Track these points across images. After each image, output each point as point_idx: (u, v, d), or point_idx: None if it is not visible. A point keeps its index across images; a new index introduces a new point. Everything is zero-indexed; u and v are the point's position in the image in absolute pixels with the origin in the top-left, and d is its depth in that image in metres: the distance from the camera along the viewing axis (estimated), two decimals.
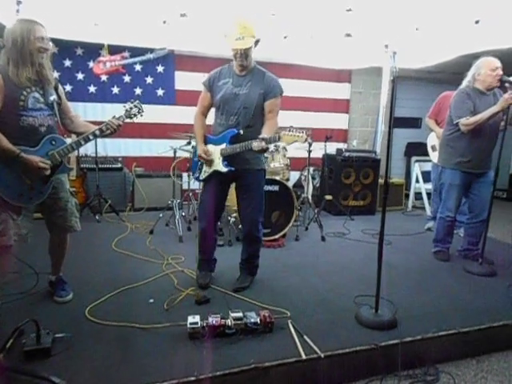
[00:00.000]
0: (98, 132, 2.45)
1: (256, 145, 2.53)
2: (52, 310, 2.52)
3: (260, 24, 4.20)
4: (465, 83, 3.40)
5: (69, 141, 2.49)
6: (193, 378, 1.87)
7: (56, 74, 5.20)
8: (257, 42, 2.64)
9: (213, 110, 2.90)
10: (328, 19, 4.16)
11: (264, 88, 2.71)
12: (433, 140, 4.57)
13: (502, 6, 3.69)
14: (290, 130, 2.49)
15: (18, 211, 2.33)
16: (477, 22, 3.99)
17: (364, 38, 4.81)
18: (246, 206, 2.87)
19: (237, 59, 2.65)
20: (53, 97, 2.39)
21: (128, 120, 2.57)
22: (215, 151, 2.77)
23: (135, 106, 2.57)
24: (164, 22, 4.39)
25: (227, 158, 2.73)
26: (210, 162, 2.79)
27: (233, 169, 2.72)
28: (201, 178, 2.89)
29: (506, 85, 3.15)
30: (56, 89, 2.45)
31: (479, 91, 3.30)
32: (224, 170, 2.73)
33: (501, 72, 3.22)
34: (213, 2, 3.84)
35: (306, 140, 2.49)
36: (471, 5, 3.79)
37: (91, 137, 2.44)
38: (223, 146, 2.73)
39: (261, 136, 2.53)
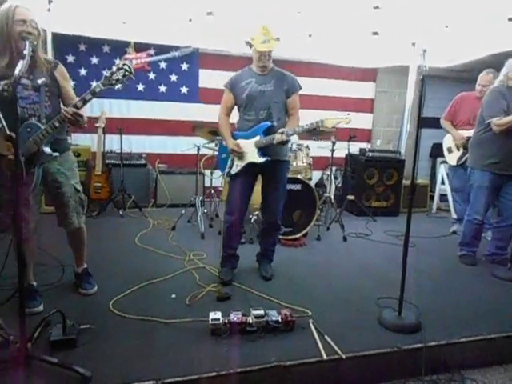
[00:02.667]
0: (56, 123, 2.22)
1: (277, 137, 2.72)
2: (77, 301, 2.57)
3: (285, 22, 4.23)
4: (497, 82, 3.30)
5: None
6: (214, 374, 1.88)
7: (83, 72, 5.33)
8: None
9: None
10: (354, 17, 4.10)
11: (287, 85, 2.91)
12: (449, 142, 4.46)
13: None
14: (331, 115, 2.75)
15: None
16: (510, 19, 3.87)
17: (391, 36, 4.74)
18: (273, 195, 3.02)
19: (260, 60, 2.82)
20: (41, 80, 2.24)
21: (110, 87, 2.23)
22: (247, 144, 2.88)
23: (119, 69, 2.18)
24: (190, 20, 4.43)
25: (262, 149, 2.85)
26: (242, 156, 2.89)
27: (269, 158, 2.84)
28: (232, 172, 2.96)
29: None
30: (52, 72, 2.32)
31: None
32: (261, 159, 2.84)
33: None
34: (239, 1, 3.84)
35: (349, 121, 2.70)
36: (504, 1, 3.68)
37: (56, 123, 2.21)
38: (257, 138, 2.85)
39: (281, 130, 2.72)
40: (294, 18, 4.14)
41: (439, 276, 3.30)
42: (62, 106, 2.40)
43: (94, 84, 2.23)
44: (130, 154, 5.26)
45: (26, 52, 1.85)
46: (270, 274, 3.07)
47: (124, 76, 2.19)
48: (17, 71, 1.75)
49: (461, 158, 4.19)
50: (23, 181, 2.12)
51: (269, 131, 2.84)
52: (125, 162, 4.92)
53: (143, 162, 5.27)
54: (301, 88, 2.98)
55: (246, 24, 3.96)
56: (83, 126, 2.35)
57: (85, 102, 2.23)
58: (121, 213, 4.72)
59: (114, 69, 2.21)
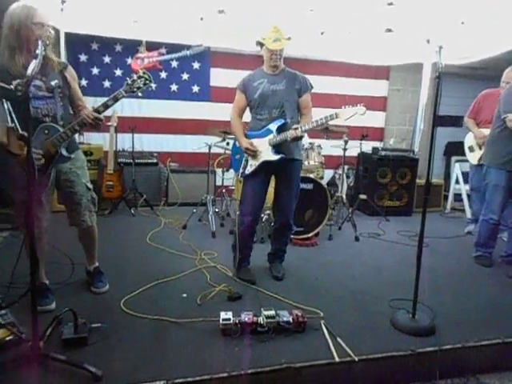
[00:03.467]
0: (76, 126, 2.28)
1: (291, 132, 2.73)
2: (88, 300, 2.59)
3: (297, 20, 4.19)
4: None
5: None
6: (225, 375, 1.86)
7: (96, 71, 5.36)
8: None
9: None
10: (368, 14, 4.04)
11: (299, 84, 2.91)
12: (470, 140, 4.35)
13: None
14: (345, 107, 2.73)
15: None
16: None
17: (405, 32, 4.65)
18: (286, 195, 3.01)
19: (272, 60, 2.82)
20: (54, 81, 2.29)
21: (131, 94, 2.32)
22: (261, 143, 2.87)
23: (140, 78, 2.30)
24: (201, 19, 4.42)
25: (276, 147, 2.84)
26: (256, 155, 2.88)
27: (284, 155, 2.84)
28: (247, 172, 2.94)
29: None
30: (62, 73, 2.36)
31: None
32: (276, 157, 2.83)
33: None
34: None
35: (365, 112, 2.70)
36: None
37: (77, 127, 2.28)
38: (270, 136, 2.84)
39: (294, 126, 2.74)
40: (306, 16, 4.09)
41: (454, 277, 3.24)
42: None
43: (106, 83, 2.27)
44: (142, 152, 5.28)
45: (38, 52, 1.86)
46: (282, 274, 3.05)
47: (145, 84, 2.31)
48: (29, 71, 1.76)
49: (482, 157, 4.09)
50: (39, 181, 2.16)
51: (282, 129, 2.83)
52: (136, 160, 4.94)
53: (155, 160, 5.28)
54: (312, 87, 2.99)
55: (258, 22, 3.94)
56: (101, 128, 2.40)
57: (107, 107, 2.30)
58: (132, 211, 4.74)
59: (135, 76, 2.30)
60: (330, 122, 2.85)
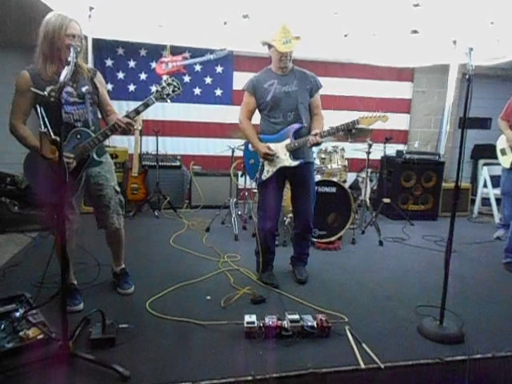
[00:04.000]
0: (108, 132, 2.34)
1: (311, 139, 2.72)
2: (115, 300, 2.63)
3: (320, 23, 4.18)
4: None
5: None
6: (250, 378, 1.87)
7: (121, 75, 5.48)
8: None
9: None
10: (393, 15, 3.99)
11: (310, 84, 2.87)
12: (502, 143, 4.21)
13: None
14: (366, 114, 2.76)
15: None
16: None
17: (430, 34, 4.57)
18: (304, 198, 2.97)
19: (281, 61, 2.77)
20: (85, 88, 2.36)
21: (161, 101, 2.37)
22: (278, 148, 2.82)
23: (169, 85, 2.34)
24: (225, 23, 4.46)
25: (293, 153, 2.81)
26: (273, 160, 2.83)
27: (303, 161, 2.81)
28: (263, 178, 2.88)
29: None
30: (92, 80, 2.42)
31: None
32: (295, 163, 2.81)
33: None
34: (275, 3, 3.82)
35: (387, 119, 2.71)
36: None
37: (109, 132, 2.34)
38: (287, 141, 2.80)
39: (314, 131, 2.71)
40: (330, 19, 4.07)
41: (483, 284, 3.15)
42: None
43: (131, 87, 2.34)
44: (166, 155, 5.35)
45: (69, 59, 1.91)
46: (305, 277, 3.03)
47: (173, 91, 2.36)
48: (62, 77, 1.81)
49: None
50: (70, 184, 2.21)
51: (298, 133, 2.81)
52: (160, 163, 5.01)
53: (178, 163, 5.35)
54: (322, 86, 2.95)
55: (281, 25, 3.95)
56: (132, 133, 2.47)
57: (138, 112, 2.37)
58: (156, 214, 4.81)
59: (164, 84, 2.35)
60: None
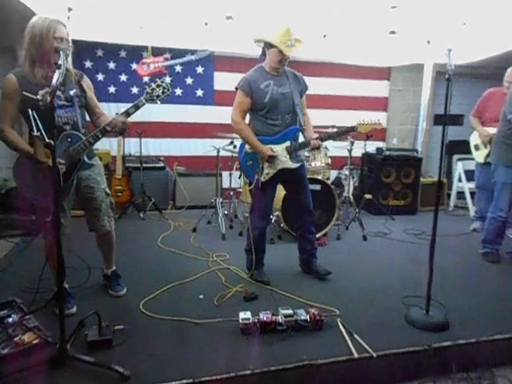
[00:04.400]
0: (99, 134, 2.34)
1: (313, 143, 2.79)
2: (107, 303, 2.63)
3: (301, 24, 4.24)
4: None
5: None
6: (249, 372, 1.91)
7: (101, 76, 5.41)
8: None
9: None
10: (372, 16, 4.11)
11: (300, 85, 2.93)
12: (476, 139, 4.39)
13: None
14: (363, 120, 2.84)
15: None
16: None
17: (406, 34, 4.73)
18: (305, 194, 3.05)
19: (281, 64, 2.79)
20: (73, 91, 2.34)
21: (151, 103, 2.37)
22: (278, 150, 2.85)
23: (158, 86, 2.34)
24: (206, 24, 4.48)
25: (292, 155, 2.88)
26: (273, 162, 2.85)
27: (303, 163, 2.90)
28: (263, 179, 2.87)
29: None
30: (79, 83, 2.41)
31: None
32: (296, 165, 2.89)
33: None
34: (257, 5, 3.87)
35: (382, 126, 2.83)
36: None
37: (100, 135, 2.34)
38: (287, 143, 2.84)
39: (315, 135, 2.80)
40: (309, 19, 4.15)
41: (463, 274, 3.30)
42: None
43: (111, 89, 2.33)
44: (149, 157, 5.32)
45: (61, 62, 1.91)
46: (325, 269, 3.08)
47: (163, 93, 2.36)
48: (54, 81, 1.81)
49: (488, 155, 4.10)
50: (63, 188, 2.22)
51: (296, 136, 2.87)
52: (144, 165, 4.98)
53: (162, 164, 5.33)
54: (308, 87, 3.02)
55: (263, 26, 4.00)
56: (127, 135, 2.47)
57: (128, 115, 2.36)
58: (141, 215, 4.79)
59: (154, 85, 2.35)
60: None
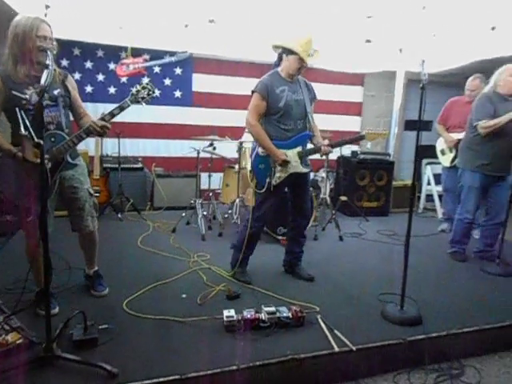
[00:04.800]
0: (83, 134, 2.32)
1: (324, 149, 2.90)
2: (90, 303, 2.62)
3: (281, 31, 4.35)
4: (487, 88, 3.49)
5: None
6: (235, 368, 1.98)
7: (77, 76, 5.34)
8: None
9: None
10: (348, 26, 4.27)
11: (311, 94, 3.03)
12: (441, 144, 4.62)
13: None
14: (371, 129, 2.95)
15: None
16: (493, 28, 4.10)
17: (380, 42, 4.92)
18: (307, 198, 3.14)
19: (298, 70, 2.85)
20: (57, 91, 2.34)
21: (136, 104, 2.38)
22: (290, 155, 2.90)
23: (143, 88, 2.35)
24: (186, 26, 4.51)
25: (303, 160, 2.95)
26: (286, 166, 2.89)
27: (311, 169, 3.00)
28: (274, 183, 2.90)
29: None
30: (63, 82, 2.41)
31: (501, 96, 3.36)
32: (306, 170, 2.98)
33: None
34: (239, 9, 3.94)
35: (387, 135, 2.98)
36: (488, 12, 3.90)
37: (83, 135, 2.32)
38: (299, 148, 2.91)
39: (326, 142, 2.90)
40: (292, 28, 4.25)
41: (432, 272, 3.47)
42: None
43: (88, 88, 2.33)
44: (126, 157, 5.29)
45: (48, 62, 1.92)
46: (308, 273, 3.17)
47: (148, 95, 2.37)
48: (42, 81, 1.82)
49: (454, 159, 4.31)
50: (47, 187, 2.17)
51: (306, 142, 2.97)
52: (122, 165, 4.95)
53: (140, 165, 5.31)
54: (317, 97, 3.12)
55: (245, 31, 4.10)
56: (106, 136, 2.46)
57: (113, 116, 2.36)
58: (119, 216, 4.75)
59: (139, 87, 2.36)
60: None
